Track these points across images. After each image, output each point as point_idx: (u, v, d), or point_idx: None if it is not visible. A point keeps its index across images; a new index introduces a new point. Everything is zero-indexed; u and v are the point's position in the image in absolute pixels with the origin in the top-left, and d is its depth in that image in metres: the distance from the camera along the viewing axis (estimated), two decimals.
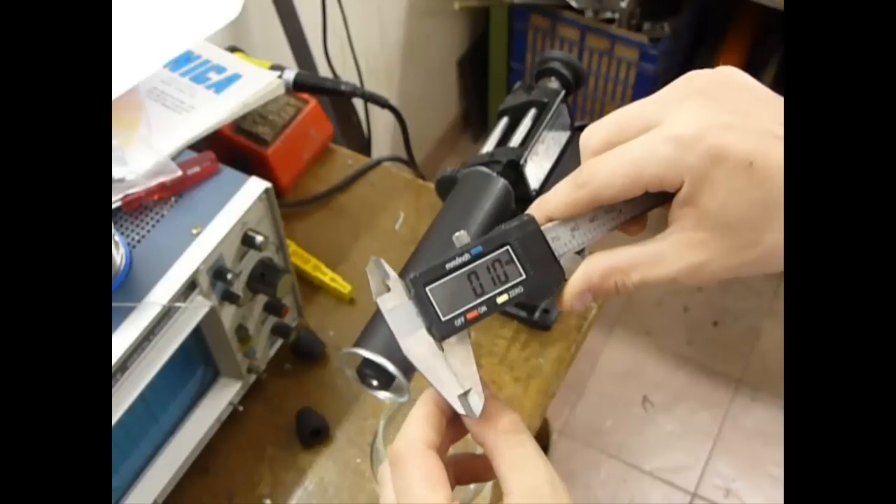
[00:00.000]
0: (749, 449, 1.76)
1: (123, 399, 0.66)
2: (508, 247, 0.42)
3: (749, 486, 1.72)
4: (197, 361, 0.78)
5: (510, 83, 2.01)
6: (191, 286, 0.69)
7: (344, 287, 0.92)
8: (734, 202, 0.38)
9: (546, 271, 0.42)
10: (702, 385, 1.85)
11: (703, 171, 0.38)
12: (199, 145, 0.81)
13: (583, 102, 1.97)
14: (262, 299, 0.80)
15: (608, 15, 1.77)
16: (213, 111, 0.84)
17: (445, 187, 0.74)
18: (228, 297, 0.74)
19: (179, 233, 0.71)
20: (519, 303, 0.43)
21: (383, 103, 0.97)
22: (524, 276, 0.42)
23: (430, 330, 0.41)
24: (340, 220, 1.00)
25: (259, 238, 0.73)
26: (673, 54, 1.84)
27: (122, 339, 0.64)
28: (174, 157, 0.75)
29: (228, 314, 0.75)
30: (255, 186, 0.74)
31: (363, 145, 1.42)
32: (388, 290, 0.42)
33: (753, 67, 1.82)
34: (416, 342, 0.41)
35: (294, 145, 0.99)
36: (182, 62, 0.88)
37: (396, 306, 0.42)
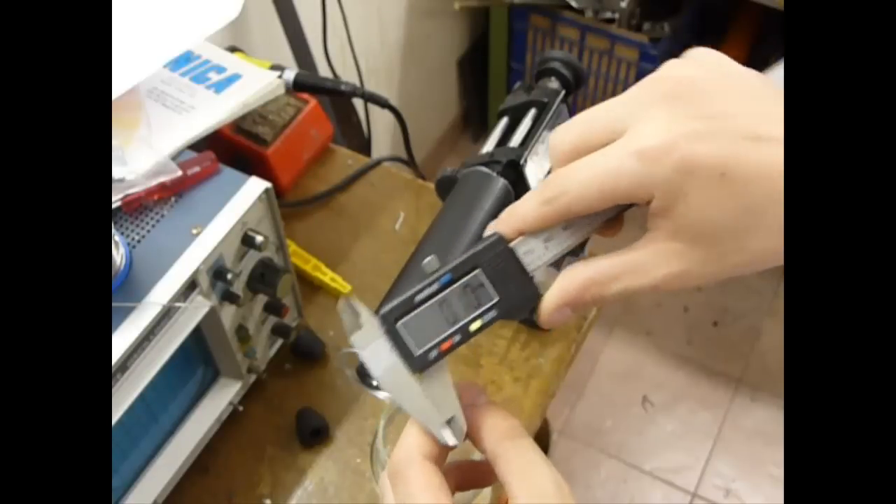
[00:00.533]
0: (749, 449, 1.76)
1: (123, 399, 0.66)
2: (479, 269, 0.41)
3: (749, 486, 1.72)
4: (197, 361, 0.78)
5: (510, 83, 2.01)
6: (191, 286, 0.69)
7: (344, 287, 0.92)
8: (709, 213, 0.36)
9: (519, 290, 0.41)
10: (702, 385, 1.85)
11: (673, 186, 0.36)
12: (199, 145, 0.81)
13: (583, 102, 1.97)
14: (262, 299, 0.80)
15: (608, 15, 1.77)
16: (213, 111, 0.84)
17: (445, 187, 0.74)
18: (228, 297, 0.74)
19: (179, 233, 0.71)
20: None
21: (383, 103, 0.97)
22: (497, 299, 0.41)
23: (404, 364, 0.41)
24: (340, 220, 1.00)
25: (259, 238, 0.73)
26: (673, 54, 1.83)
27: (122, 339, 0.64)
28: (174, 157, 0.75)
29: (228, 314, 0.75)
30: (255, 186, 0.74)
31: (363, 145, 1.42)
32: (361, 327, 0.42)
33: (753, 67, 1.81)
34: (391, 377, 0.41)
35: (294, 145, 0.99)
36: (182, 62, 0.88)
37: (370, 343, 0.41)
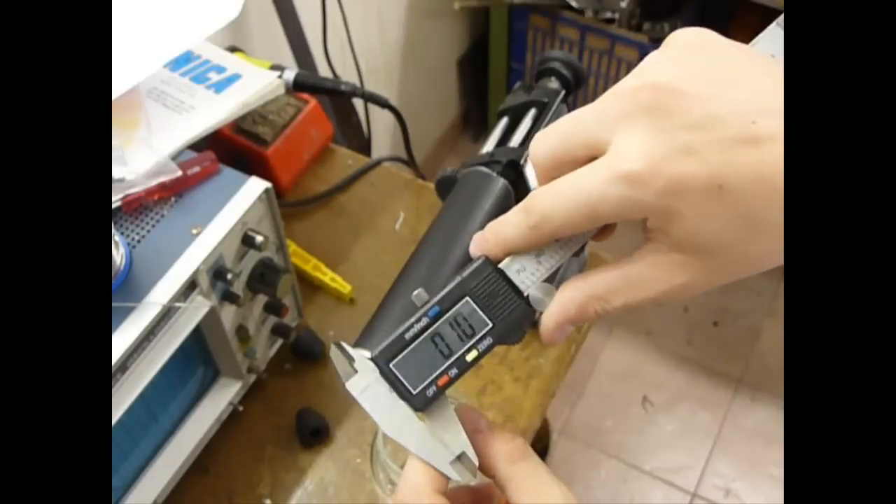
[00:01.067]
0: (749, 449, 1.76)
1: (123, 399, 0.66)
2: (468, 297, 0.40)
3: (749, 486, 1.72)
4: (197, 361, 0.78)
5: (510, 83, 2.01)
6: (191, 286, 0.69)
7: (344, 287, 0.92)
8: (708, 227, 0.35)
9: (512, 313, 0.40)
10: (702, 385, 1.85)
11: (664, 208, 0.35)
12: (199, 145, 0.81)
13: (583, 102, 1.96)
14: (262, 299, 0.80)
15: (608, 15, 1.77)
16: (213, 111, 0.84)
17: (445, 187, 0.74)
18: (228, 297, 0.74)
19: (179, 233, 0.71)
20: None
21: (383, 103, 0.97)
22: (491, 325, 0.40)
23: (404, 404, 0.40)
24: (340, 220, 1.00)
25: (259, 238, 0.73)
26: None
27: (122, 339, 0.64)
28: (174, 157, 0.75)
29: (228, 314, 0.75)
30: (255, 186, 0.74)
31: (363, 145, 1.42)
32: (356, 371, 0.40)
33: None
34: (393, 419, 0.40)
35: (294, 145, 0.99)
36: (182, 62, 0.88)
37: (366, 387, 0.40)
